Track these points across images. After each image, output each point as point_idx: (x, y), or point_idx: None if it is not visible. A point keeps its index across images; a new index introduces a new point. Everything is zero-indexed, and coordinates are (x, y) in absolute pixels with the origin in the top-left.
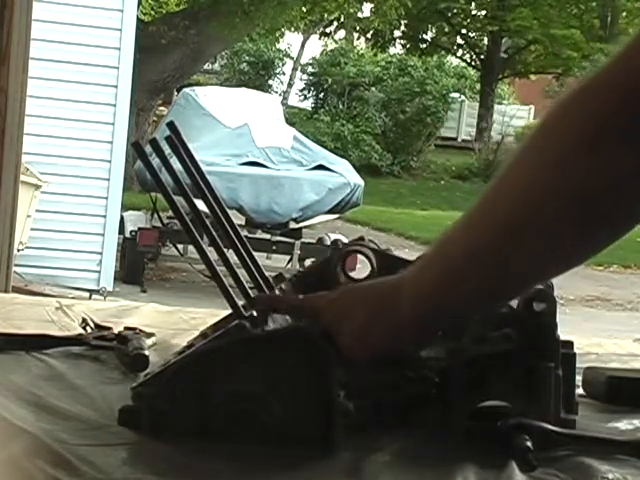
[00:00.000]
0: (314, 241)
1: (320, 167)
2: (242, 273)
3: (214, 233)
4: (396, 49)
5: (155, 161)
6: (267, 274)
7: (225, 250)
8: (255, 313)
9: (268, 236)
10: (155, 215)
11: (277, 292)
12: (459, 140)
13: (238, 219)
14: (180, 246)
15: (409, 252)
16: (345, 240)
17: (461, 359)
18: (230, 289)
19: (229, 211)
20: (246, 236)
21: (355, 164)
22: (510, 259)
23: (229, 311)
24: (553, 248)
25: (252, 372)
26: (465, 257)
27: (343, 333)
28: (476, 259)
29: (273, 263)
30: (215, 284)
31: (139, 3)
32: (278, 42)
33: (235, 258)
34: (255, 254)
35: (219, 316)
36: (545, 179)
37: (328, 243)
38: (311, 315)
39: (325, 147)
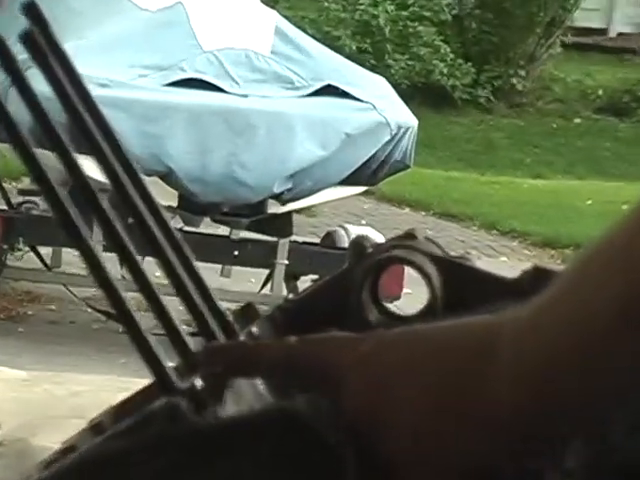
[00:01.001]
0: (317, 240)
1: (329, 90)
2: (174, 304)
3: (115, 225)
4: None
5: None
6: (223, 305)
7: (140, 259)
8: (199, 381)
9: (225, 230)
10: None
11: (242, 339)
12: (611, 35)
13: (165, 196)
14: (46, 251)
15: (510, 263)
16: (379, 238)
17: (607, 467)
18: (149, 337)
19: (147, 179)
20: (182, 230)
21: (400, 84)
22: None
23: (148, 380)
24: None
25: None
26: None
27: (388, 424)
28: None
29: (235, 284)
30: (120, 327)
31: None
32: None
33: (160, 274)
34: (200, 266)
35: (128, 390)
36: None
37: (345, 244)
38: (318, 382)
39: (341, 50)
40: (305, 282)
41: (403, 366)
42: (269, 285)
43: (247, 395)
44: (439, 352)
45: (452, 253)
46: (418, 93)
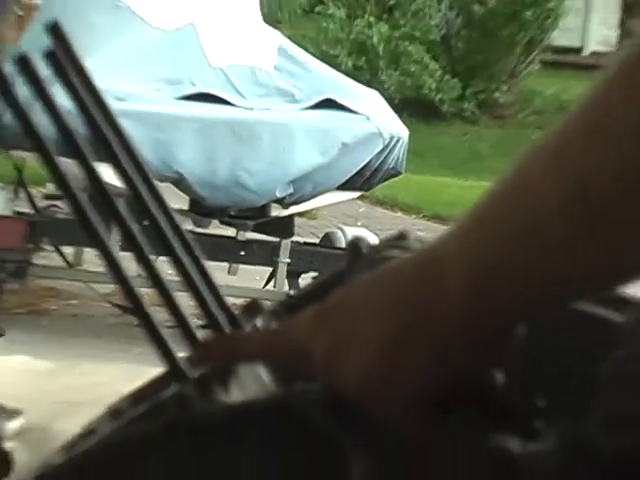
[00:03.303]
0: (316, 240)
1: (328, 104)
2: (185, 300)
3: (131, 227)
4: None
5: (22, 93)
6: (230, 300)
7: (153, 258)
8: (208, 371)
9: (232, 232)
10: (22, 194)
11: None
12: (586, 53)
13: (177, 200)
14: (68, 250)
15: None
16: (373, 239)
17: (586, 459)
18: (162, 329)
19: (160, 185)
20: (191, 232)
21: (393, 98)
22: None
23: (160, 369)
24: None
25: None
26: (559, 196)
27: (346, 365)
28: (577, 198)
29: (241, 281)
30: (135, 320)
31: None
32: None
33: (172, 272)
34: (209, 264)
35: (143, 379)
36: None
37: (342, 244)
38: (287, 355)
39: (339, 67)
40: (306, 279)
41: (354, 308)
42: (272, 282)
43: (251, 383)
44: (387, 279)
45: None
46: (409, 106)
